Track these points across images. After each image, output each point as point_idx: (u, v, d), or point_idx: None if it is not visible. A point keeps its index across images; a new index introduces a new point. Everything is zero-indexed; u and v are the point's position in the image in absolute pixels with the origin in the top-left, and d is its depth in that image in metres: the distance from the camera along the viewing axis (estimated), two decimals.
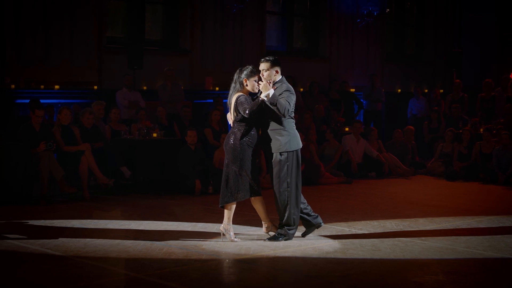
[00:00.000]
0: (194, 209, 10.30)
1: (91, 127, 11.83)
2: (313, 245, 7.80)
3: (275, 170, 7.88)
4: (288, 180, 7.85)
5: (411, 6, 20.55)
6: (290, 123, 7.92)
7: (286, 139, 7.85)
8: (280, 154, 7.85)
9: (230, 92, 7.92)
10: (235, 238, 7.86)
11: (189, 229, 8.65)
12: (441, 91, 18.74)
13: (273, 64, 7.93)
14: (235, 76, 7.92)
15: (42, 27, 13.79)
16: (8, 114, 13.24)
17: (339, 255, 7.33)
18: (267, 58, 7.98)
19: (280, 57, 17.58)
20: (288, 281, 6.42)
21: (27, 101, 12.87)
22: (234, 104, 7.82)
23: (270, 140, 7.90)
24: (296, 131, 8.01)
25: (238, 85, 7.88)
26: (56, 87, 13.82)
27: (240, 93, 7.85)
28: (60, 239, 7.94)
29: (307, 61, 17.81)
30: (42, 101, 12.67)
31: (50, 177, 10.86)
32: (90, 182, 11.41)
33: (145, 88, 14.98)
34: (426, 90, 18.71)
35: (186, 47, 15.85)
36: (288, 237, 7.92)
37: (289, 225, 7.92)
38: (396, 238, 8.18)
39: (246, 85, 7.88)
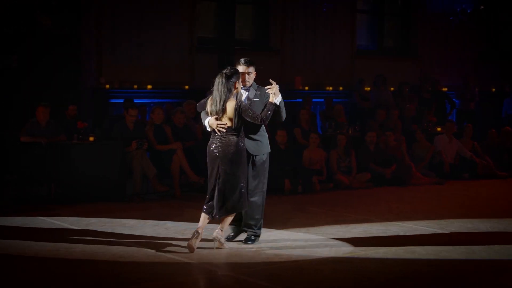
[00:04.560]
0: (283, 208, 10.29)
1: (182, 126, 12.00)
2: (405, 246, 7.67)
3: (260, 171, 7.67)
4: (265, 180, 7.76)
5: (506, 2, 19.91)
6: (264, 126, 7.76)
7: (266, 140, 7.75)
8: (263, 155, 7.71)
9: (219, 98, 7.27)
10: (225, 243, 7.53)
11: (279, 228, 8.64)
12: None
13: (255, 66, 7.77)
14: (222, 80, 7.28)
15: (136, 28, 14.09)
16: (103, 114, 13.61)
17: (432, 257, 7.19)
18: (251, 60, 7.71)
19: (371, 56, 17.54)
20: (380, 282, 6.33)
21: (121, 100, 13.19)
22: (236, 110, 7.27)
23: (252, 142, 7.62)
24: None
25: (231, 89, 7.31)
26: (149, 87, 14.10)
27: (232, 98, 7.34)
28: (154, 236, 8.09)
29: (398, 60, 17.55)
30: (135, 100, 12.96)
31: (143, 176, 11.08)
32: (181, 180, 11.57)
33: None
34: None
35: (276, 46, 15.89)
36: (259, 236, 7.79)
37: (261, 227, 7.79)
38: (491, 240, 7.97)
39: (236, 88, 7.39)
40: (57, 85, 13.32)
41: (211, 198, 7.47)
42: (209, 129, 7.47)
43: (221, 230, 7.43)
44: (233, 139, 7.34)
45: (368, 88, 16.06)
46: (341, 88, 16.39)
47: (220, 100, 7.28)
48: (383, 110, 14.89)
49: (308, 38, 16.11)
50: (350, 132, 13.74)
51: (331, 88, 16.25)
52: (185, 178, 11.61)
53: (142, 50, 14.19)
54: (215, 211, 7.36)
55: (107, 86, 13.72)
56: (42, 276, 6.39)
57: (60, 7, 13.58)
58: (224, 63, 14.32)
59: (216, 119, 7.35)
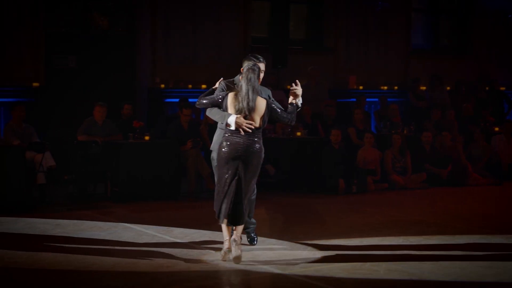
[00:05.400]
0: (337, 208, 10.25)
1: None
2: (461, 248, 7.55)
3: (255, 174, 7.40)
4: None
5: None
6: None
7: None
8: None
9: (252, 95, 6.78)
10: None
11: (333, 228, 8.61)
12: None
13: None
14: (254, 76, 6.83)
15: (190, 28, 14.21)
16: (158, 113, 13.75)
17: (490, 259, 7.06)
18: (262, 58, 7.25)
19: (426, 55, 17.29)
20: (435, 284, 6.25)
21: (175, 100, 13.31)
22: (268, 109, 6.90)
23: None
24: None
25: (259, 84, 6.93)
26: (203, 86, 14.18)
27: (259, 96, 6.91)
28: (207, 235, 8.13)
29: (454, 59, 17.30)
30: (190, 100, 13.05)
31: (197, 175, 11.16)
32: None
33: (289, 87, 15.03)
34: None
35: (330, 46, 15.83)
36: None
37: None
38: None
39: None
40: (113, 85, 13.53)
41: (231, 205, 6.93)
42: (233, 128, 6.85)
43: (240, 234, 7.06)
44: (256, 140, 6.91)
45: (424, 88, 15.89)
46: (396, 88, 16.26)
47: (253, 97, 6.79)
48: (438, 110, 14.70)
49: (362, 37, 16.01)
50: (405, 132, 13.59)
51: (385, 88, 16.13)
52: None
53: (197, 50, 14.30)
54: (242, 218, 6.98)
55: (162, 85, 13.87)
56: (100, 274, 6.49)
57: (116, 8, 13.78)
58: (278, 63, 14.38)
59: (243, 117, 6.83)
